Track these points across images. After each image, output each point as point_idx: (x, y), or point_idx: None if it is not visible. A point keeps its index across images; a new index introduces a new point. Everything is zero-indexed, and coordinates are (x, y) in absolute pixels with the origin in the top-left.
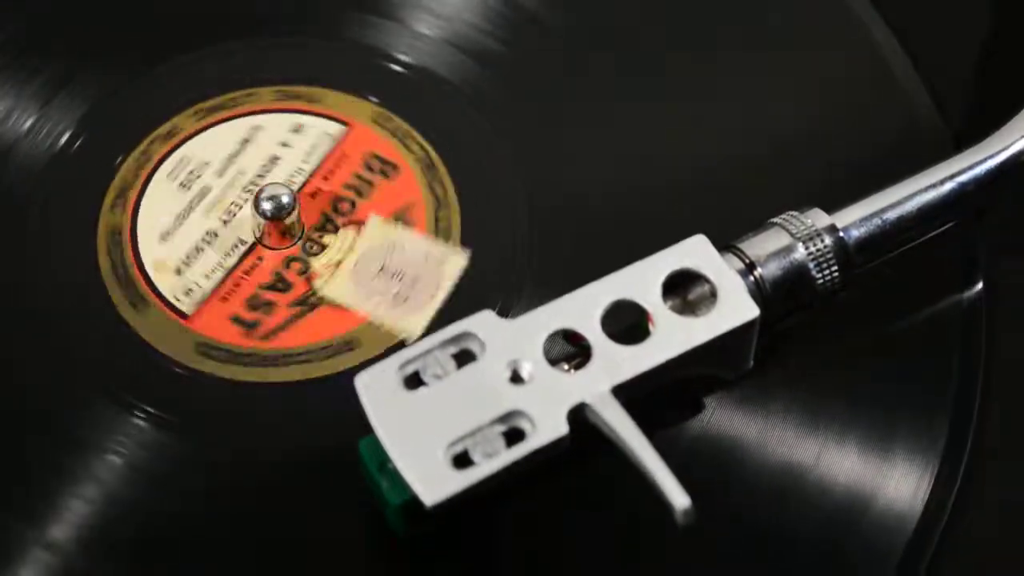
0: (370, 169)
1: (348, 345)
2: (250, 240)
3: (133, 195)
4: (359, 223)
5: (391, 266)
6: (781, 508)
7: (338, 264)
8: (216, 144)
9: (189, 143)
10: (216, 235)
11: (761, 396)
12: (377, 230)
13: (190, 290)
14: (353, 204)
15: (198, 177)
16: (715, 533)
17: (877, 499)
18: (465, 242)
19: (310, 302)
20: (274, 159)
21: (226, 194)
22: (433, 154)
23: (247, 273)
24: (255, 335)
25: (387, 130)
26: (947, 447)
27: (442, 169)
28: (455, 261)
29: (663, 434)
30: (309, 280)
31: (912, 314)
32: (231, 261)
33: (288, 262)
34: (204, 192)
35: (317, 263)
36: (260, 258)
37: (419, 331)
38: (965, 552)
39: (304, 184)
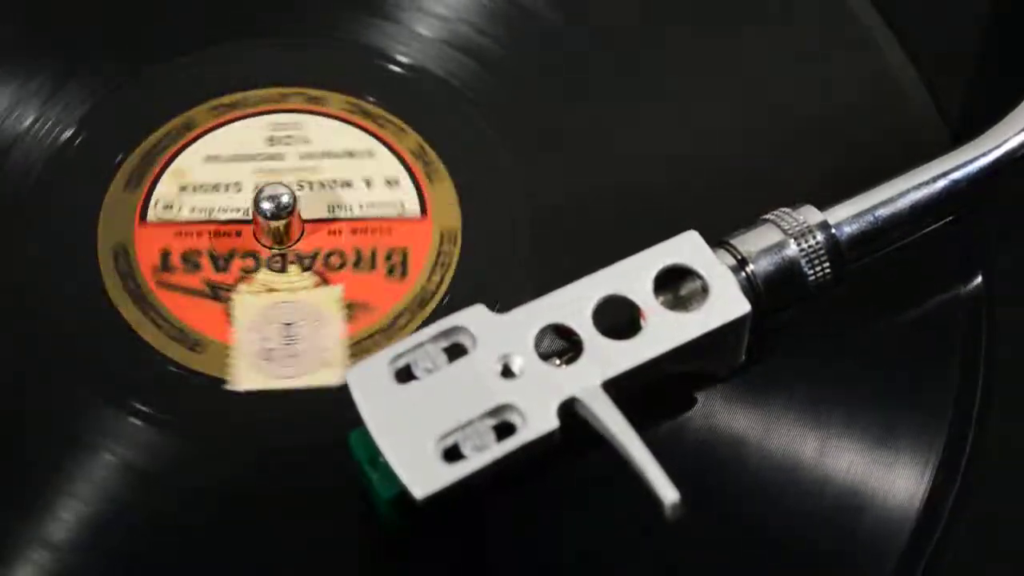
0: (388, 258)
1: (195, 343)
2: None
3: (233, 115)
4: (325, 283)
5: (297, 331)
6: (780, 506)
7: (270, 291)
8: (333, 137)
9: (314, 118)
10: (239, 190)
11: (760, 394)
12: (326, 298)
13: (169, 206)
14: (343, 266)
15: (288, 145)
16: (713, 531)
17: (876, 498)
18: (464, 255)
19: (218, 293)
20: (347, 184)
21: (287, 173)
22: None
23: (216, 234)
24: (159, 276)
25: (440, 248)
26: (947, 445)
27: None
28: (329, 374)
29: (663, 432)
30: (240, 279)
31: (912, 311)
32: (220, 216)
33: (247, 254)
34: (277, 157)
35: (262, 275)
36: (240, 233)
37: (242, 385)
38: (964, 551)
39: (336, 219)
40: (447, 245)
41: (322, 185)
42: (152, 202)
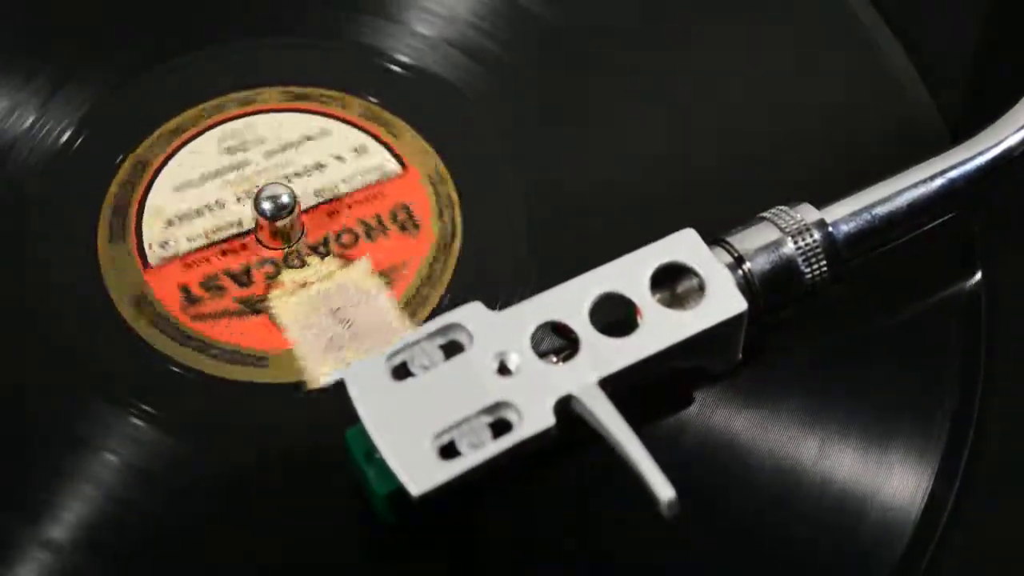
0: (394, 218)
1: (258, 359)
2: (247, 227)
3: (182, 138)
4: (349, 259)
5: (346, 312)
6: (779, 507)
7: (303, 286)
8: (283, 129)
9: (260, 116)
10: (222, 207)
11: (758, 394)
12: (359, 274)
13: (166, 243)
14: (357, 240)
15: (246, 150)
16: (712, 532)
17: (876, 499)
18: (465, 254)
19: (256, 306)
20: (320, 166)
21: (259, 176)
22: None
23: (223, 254)
24: (189, 311)
25: (435, 191)
26: (947, 445)
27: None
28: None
29: (660, 431)
30: (269, 287)
31: (911, 310)
32: (217, 236)
33: (263, 262)
34: (241, 165)
35: (287, 276)
36: (244, 247)
37: (323, 380)
38: (964, 552)
39: (329, 200)
40: (442, 188)
41: (298, 175)
42: (147, 246)
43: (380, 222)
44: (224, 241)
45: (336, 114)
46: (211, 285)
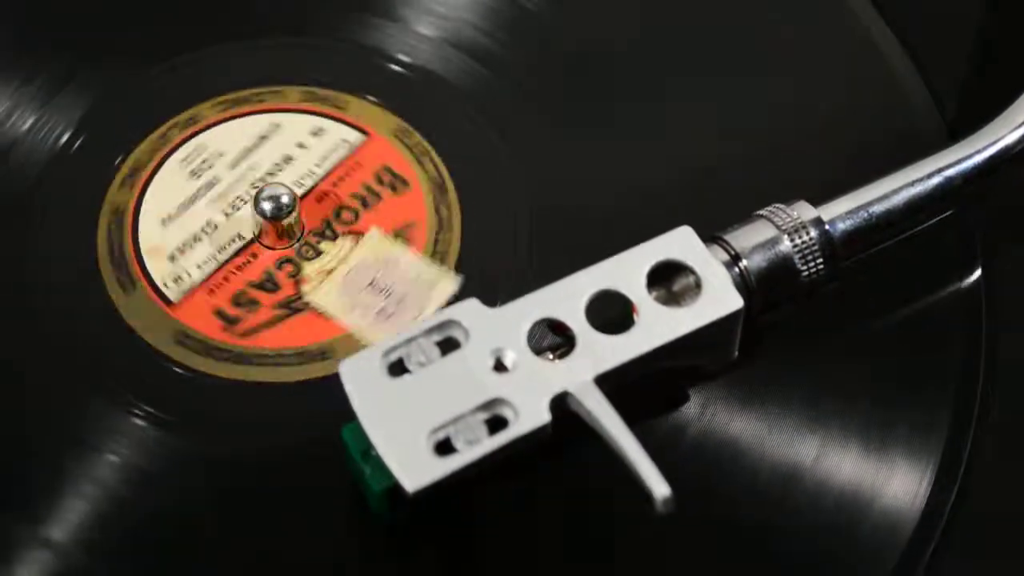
0: (380, 181)
1: (322, 354)
2: (248, 237)
3: (144, 175)
4: (359, 234)
5: (381, 281)
6: (779, 508)
7: (330, 272)
8: (234, 137)
9: (208, 132)
10: (216, 227)
11: (757, 394)
12: (375, 244)
13: (179, 278)
14: (357, 214)
15: (210, 167)
16: (712, 533)
17: (876, 499)
18: (465, 254)
19: (294, 306)
20: (288, 159)
21: (234, 188)
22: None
23: (239, 269)
24: (234, 331)
25: (405, 145)
26: (947, 445)
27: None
28: (445, 285)
29: (658, 431)
30: (298, 284)
31: (910, 309)
32: (225, 255)
33: (281, 263)
34: (213, 183)
35: (309, 268)
36: (254, 255)
37: None
38: (964, 552)
39: (312, 188)
40: (410, 140)
41: (271, 174)
42: (161, 285)
43: (370, 190)
44: (234, 256)
45: (278, 107)
46: (243, 301)
